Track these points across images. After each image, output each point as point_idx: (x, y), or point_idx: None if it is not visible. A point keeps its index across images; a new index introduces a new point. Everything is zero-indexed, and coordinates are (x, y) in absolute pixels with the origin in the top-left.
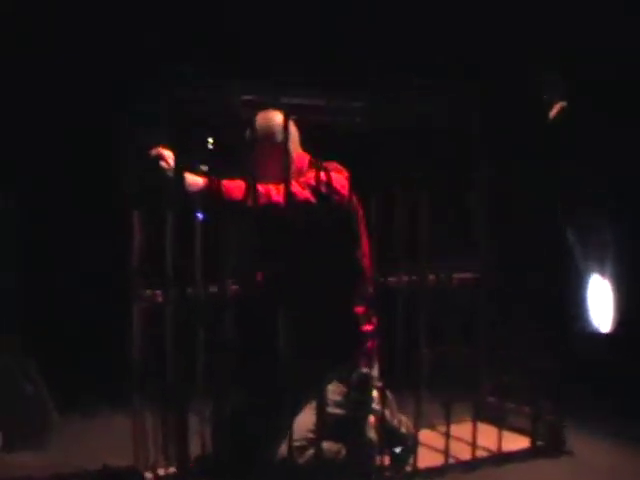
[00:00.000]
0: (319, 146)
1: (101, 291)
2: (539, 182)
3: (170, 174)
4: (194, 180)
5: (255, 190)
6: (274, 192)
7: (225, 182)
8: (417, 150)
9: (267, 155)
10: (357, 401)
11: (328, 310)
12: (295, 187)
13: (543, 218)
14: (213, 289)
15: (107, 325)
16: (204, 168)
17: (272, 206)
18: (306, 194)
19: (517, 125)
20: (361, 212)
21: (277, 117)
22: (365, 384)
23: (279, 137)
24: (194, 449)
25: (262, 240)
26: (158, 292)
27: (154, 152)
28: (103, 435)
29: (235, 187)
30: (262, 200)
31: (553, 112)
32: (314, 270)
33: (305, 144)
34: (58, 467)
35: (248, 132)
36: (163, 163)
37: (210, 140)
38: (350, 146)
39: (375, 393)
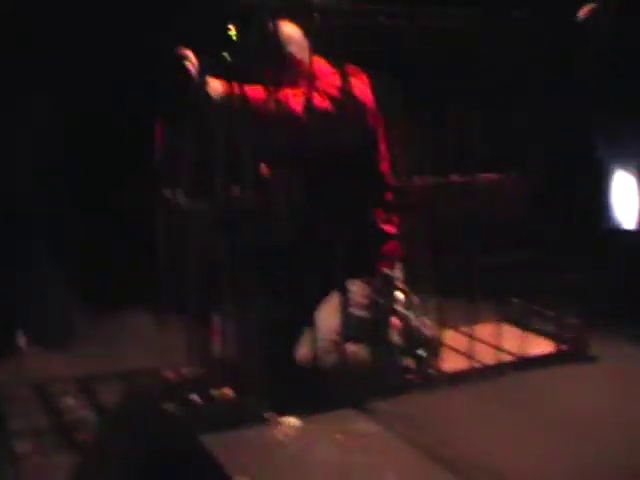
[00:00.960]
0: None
1: (127, 195)
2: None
3: (194, 74)
4: (215, 85)
5: (274, 95)
6: (292, 99)
7: (246, 87)
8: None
9: (277, 66)
10: (380, 303)
11: (346, 212)
12: (314, 96)
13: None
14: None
15: (133, 229)
16: (227, 57)
17: (290, 114)
18: (324, 103)
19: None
20: (380, 117)
21: (286, 28)
22: (387, 285)
23: (285, 49)
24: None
25: (280, 146)
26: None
27: (179, 52)
28: (129, 337)
29: (255, 92)
30: (281, 107)
31: (582, 12)
32: (332, 175)
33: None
34: (82, 369)
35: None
36: (187, 63)
37: (231, 28)
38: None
39: (398, 295)
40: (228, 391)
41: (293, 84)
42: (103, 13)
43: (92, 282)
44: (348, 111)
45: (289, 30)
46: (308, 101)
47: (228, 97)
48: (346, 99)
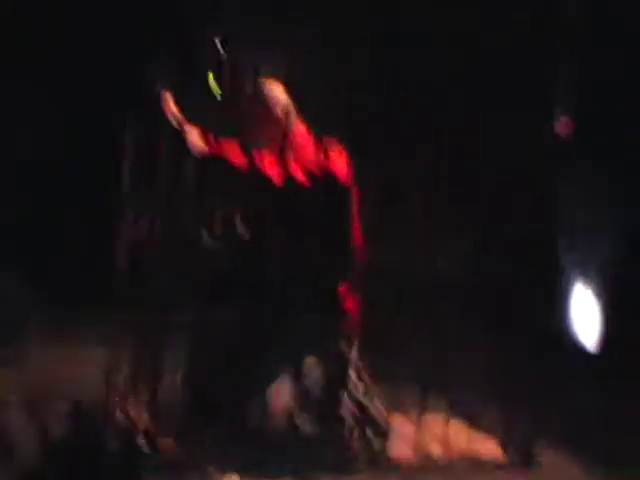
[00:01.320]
0: None
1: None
2: None
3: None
4: (194, 137)
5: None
6: (268, 166)
7: (224, 145)
8: None
9: (263, 125)
10: (334, 380)
11: (310, 285)
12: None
13: None
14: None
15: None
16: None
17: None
18: (299, 175)
19: None
20: (356, 192)
21: (277, 89)
22: (343, 364)
23: (278, 110)
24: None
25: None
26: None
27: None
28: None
29: (233, 152)
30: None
31: None
32: (299, 245)
33: None
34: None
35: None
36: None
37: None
38: None
39: (353, 374)
40: (172, 441)
41: (271, 146)
42: None
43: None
44: (322, 187)
45: (276, 91)
46: (284, 170)
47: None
48: (322, 175)
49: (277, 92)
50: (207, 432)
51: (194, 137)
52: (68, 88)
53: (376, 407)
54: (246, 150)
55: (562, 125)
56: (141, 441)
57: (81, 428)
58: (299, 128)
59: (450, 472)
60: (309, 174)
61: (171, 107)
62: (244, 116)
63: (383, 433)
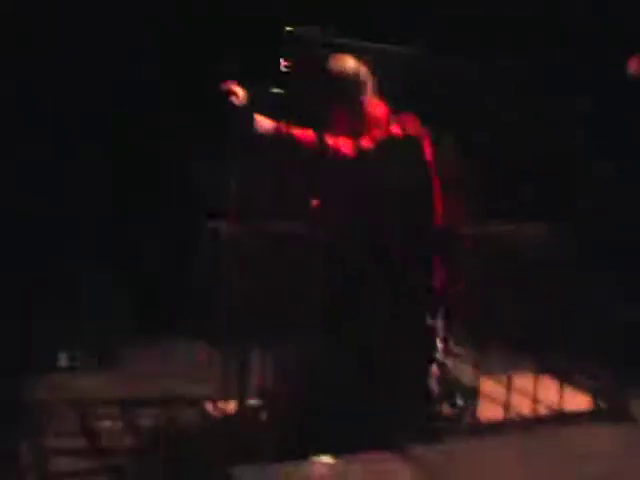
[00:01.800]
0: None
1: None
2: None
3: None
4: (262, 121)
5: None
6: (342, 144)
7: (294, 129)
8: None
9: (338, 104)
10: (421, 350)
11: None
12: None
13: None
14: None
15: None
16: (276, 90)
17: (339, 156)
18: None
19: None
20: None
21: (350, 62)
22: (429, 334)
23: (351, 85)
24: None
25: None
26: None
27: (225, 86)
28: (166, 362)
29: (304, 135)
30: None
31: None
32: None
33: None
34: (121, 391)
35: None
36: (233, 98)
37: (284, 62)
38: None
39: (439, 342)
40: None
41: (347, 124)
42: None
43: (141, 306)
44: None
45: (349, 66)
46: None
47: (275, 135)
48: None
49: (348, 65)
50: (300, 413)
51: (262, 121)
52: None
53: (465, 373)
54: (316, 130)
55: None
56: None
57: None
58: (374, 103)
59: (541, 428)
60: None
61: (239, 93)
62: (315, 93)
63: (473, 399)
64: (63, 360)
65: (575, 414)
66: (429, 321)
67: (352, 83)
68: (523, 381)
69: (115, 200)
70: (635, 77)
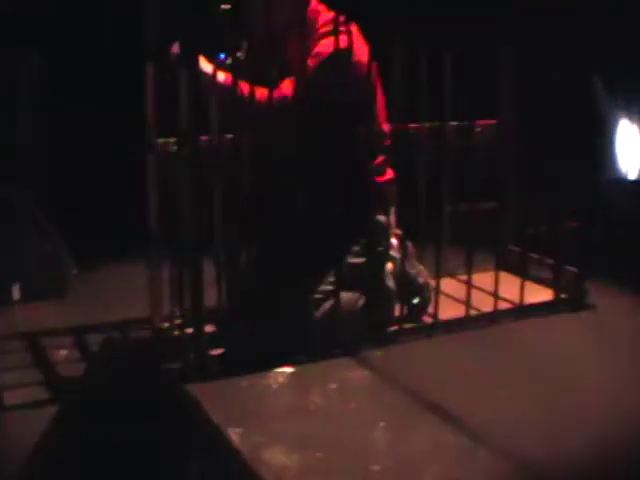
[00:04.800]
0: None
1: (116, 144)
2: (572, 37)
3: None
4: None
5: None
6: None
7: (242, 85)
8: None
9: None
10: (374, 249)
11: (342, 163)
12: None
13: (574, 69)
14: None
15: (124, 178)
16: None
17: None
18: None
19: None
20: (377, 71)
21: None
22: (381, 231)
23: None
24: (210, 301)
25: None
26: (171, 141)
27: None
28: (120, 288)
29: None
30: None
31: None
32: (324, 126)
33: None
34: (75, 319)
35: None
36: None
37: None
38: None
39: (393, 241)
40: (219, 341)
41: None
42: None
43: (83, 233)
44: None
45: None
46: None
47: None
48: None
49: None
50: (257, 329)
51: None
52: None
53: (420, 271)
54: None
55: None
56: (185, 346)
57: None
58: (313, 6)
59: (501, 322)
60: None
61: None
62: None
63: (429, 297)
64: (16, 293)
65: (535, 305)
66: (381, 217)
67: None
68: (484, 279)
69: None
70: None
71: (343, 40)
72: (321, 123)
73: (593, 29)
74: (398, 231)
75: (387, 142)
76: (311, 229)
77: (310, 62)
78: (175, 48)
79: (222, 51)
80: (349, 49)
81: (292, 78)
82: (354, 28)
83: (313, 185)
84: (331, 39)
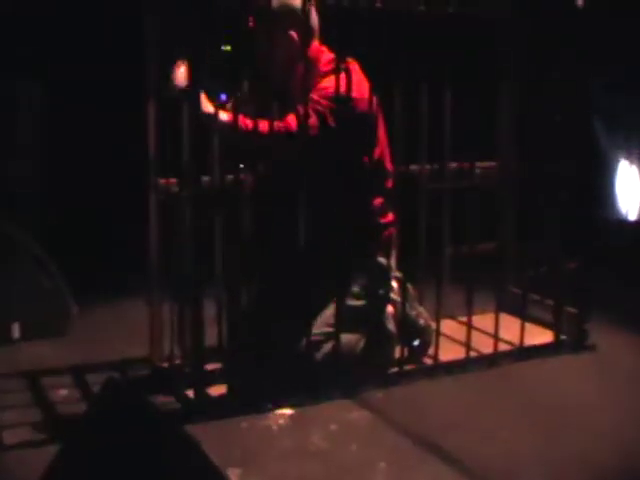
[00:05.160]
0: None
1: (118, 182)
2: (569, 69)
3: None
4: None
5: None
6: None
7: (244, 120)
8: (442, 39)
9: (275, 40)
10: (375, 291)
11: (342, 204)
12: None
13: (572, 105)
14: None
15: (124, 217)
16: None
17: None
18: (315, 119)
19: (547, 11)
20: (378, 109)
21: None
22: (382, 274)
23: (289, 18)
24: (211, 340)
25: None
26: (174, 181)
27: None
28: (120, 326)
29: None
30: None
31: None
32: (327, 167)
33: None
34: (75, 358)
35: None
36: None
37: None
38: (370, 32)
39: (394, 283)
40: (220, 381)
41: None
42: None
43: (83, 271)
44: (347, 113)
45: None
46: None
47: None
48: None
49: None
50: (257, 370)
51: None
52: None
53: (420, 313)
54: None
55: None
56: (185, 386)
57: (118, 388)
58: (315, 46)
59: (502, 364)
60: (330, 110)
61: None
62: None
63: (430, 339)
64: (16, 331)
65: (535, 347)
66: (381, 259)
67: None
68: (484, 321)
69: None
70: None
71: (344, 77)
72: (322, 156)
73: (595, 59)
74: (398, 274)
75: (389, 183)
76: (311, 269)
77: (313, 96)
78: (178, 80)
79: (223, 91)
80: (349, 85)
81: (295, 113)
82: (355, 66)
83: (313, 221)
84: (333, 76)
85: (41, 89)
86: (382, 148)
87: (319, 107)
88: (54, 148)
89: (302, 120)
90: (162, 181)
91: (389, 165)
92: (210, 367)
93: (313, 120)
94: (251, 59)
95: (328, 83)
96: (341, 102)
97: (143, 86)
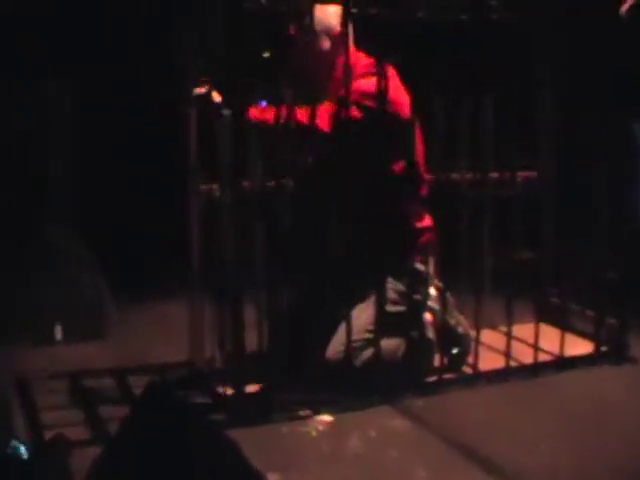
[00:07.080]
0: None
1: (159, 186)
2: (607, 80)
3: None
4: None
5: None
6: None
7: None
8: (481, 49)
9: (319, 50)
10: (413, 298)
11: (380, 210)
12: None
13: (610, 116)
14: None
15: (166, 220)
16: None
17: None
18: (355, 113)
19: (586, 21)
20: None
21: (334, 8)
22: (420, 281)
23: (334, 28)
24: (251, 345)
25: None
26: (215, 186)
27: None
28: (161, 329)
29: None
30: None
31: (625, 7)
32: (364, 173)
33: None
34: (117, 360)
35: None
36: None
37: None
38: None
39: (432, 291)
40: (261, 385)
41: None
42: None
43: (124, 273)
44: (382, 116)
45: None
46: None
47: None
48: (382, 104)
49: (331, 11)
50: (294, 372)
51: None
52: None
53: (459, 322)
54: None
55: None
56: (226, 389)
57: (159, 391)
58: (353, 52)
59: (542, 374)
60: (365, 107)
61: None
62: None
63: (468, 347)
64: (59, 333)
65: (576, 358)
66: (419, 265)
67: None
68: (524, 331)
69: None
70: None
71: (381, 80)
72: (358, 158)
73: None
74: (438, 283)
75: (425, 190)
76: (349, 274)
77: (353, 94)
78: (215, 97)
79: (263, 98)
80: (387, 87)
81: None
82: (392, 71)
83: (352, 224)
84: (371, 78)
85: (74, 90)
86: (418, 154)
87: (361, 102)
88: (90, 150)
89: (343, 113)
90: (203, 187)
91: (424, 173)
92: (251, 371)
93: (356, 112)
94: (290, 65)
95: (366, 83)
96: (381, 101)
97: (181, 89)
